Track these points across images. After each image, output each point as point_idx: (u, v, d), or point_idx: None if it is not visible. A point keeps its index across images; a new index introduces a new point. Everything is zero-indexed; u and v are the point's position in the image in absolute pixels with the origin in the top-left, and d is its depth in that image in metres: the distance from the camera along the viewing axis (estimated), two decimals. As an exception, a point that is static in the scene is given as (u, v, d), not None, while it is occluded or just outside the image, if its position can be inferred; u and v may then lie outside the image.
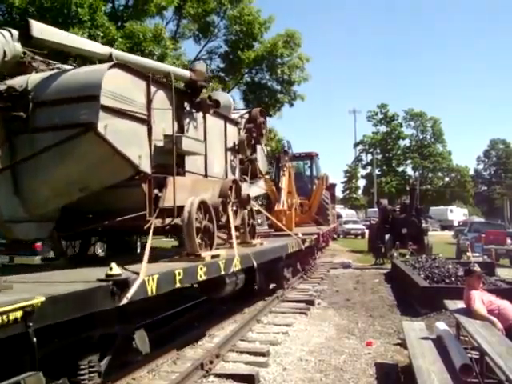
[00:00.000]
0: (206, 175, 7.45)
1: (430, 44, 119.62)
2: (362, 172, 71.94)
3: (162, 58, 18.07)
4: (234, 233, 7.24)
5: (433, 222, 42.08)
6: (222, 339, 6.58)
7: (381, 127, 71.81)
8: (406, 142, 73.18)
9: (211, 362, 5.61)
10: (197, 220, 6.05)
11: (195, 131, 7.10)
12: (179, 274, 5.13)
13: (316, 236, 13.69)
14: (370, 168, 70.35)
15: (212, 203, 6.78)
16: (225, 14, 24.43)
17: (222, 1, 23.20)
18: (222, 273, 6.21)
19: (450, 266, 10.95)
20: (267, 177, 17.18)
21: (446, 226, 46.94)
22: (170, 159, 6.01)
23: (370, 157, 71.65)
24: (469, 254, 14.84)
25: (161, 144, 6.04)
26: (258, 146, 10.26)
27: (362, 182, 71.26)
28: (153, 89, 5.92)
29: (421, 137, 73.63)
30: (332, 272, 14.92)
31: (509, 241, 18.38)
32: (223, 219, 7.24)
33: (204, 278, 5.69)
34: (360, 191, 70.11)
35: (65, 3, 16.30)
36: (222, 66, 26.42)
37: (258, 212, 11.41)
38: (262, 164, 10.56)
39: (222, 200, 7.24)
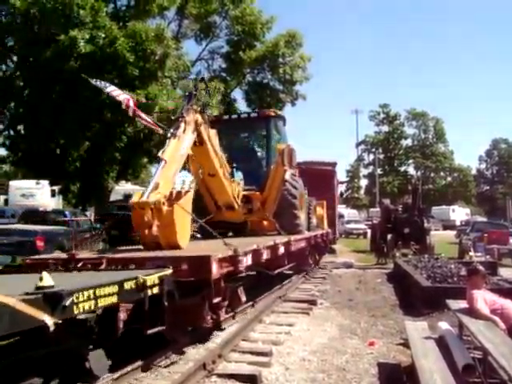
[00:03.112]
0: None
1: (432, 43, 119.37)
2: (364, 172, 72.31)
3: (164, 58, 18.14)
4: None
5: (435, 221, 42.05)
6: (224, 339, 6.55)
7: (383, 127, 72.19)
8: (408, 142, 73.52)
9: (213, 362, 5.58)
10: None
11: None
12: None
13: (170, 270, 4.99)
14: (372, 168, 70.47)
15: None
16: (227, 14, 24.47)
17: (224, 1, 23.25)
18: None
19: (453, 266, 10.93)
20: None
21: (448, 225, 46.86)
22: None
23: (372, 156, 71.88)
24: (471, 253, 14.82)
25: None
26: None
27: (364, 182, 71.48)
28: None
29: (423, 136, 73.70)
30: (334, 272, 14.87)
31: (511, 240, 18.33)
32: None
33: None
34: (362, 191, 70.22)
35: (67, 5, 16.37)
36: (223, 66, 26.52)
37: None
38: None
39: None
